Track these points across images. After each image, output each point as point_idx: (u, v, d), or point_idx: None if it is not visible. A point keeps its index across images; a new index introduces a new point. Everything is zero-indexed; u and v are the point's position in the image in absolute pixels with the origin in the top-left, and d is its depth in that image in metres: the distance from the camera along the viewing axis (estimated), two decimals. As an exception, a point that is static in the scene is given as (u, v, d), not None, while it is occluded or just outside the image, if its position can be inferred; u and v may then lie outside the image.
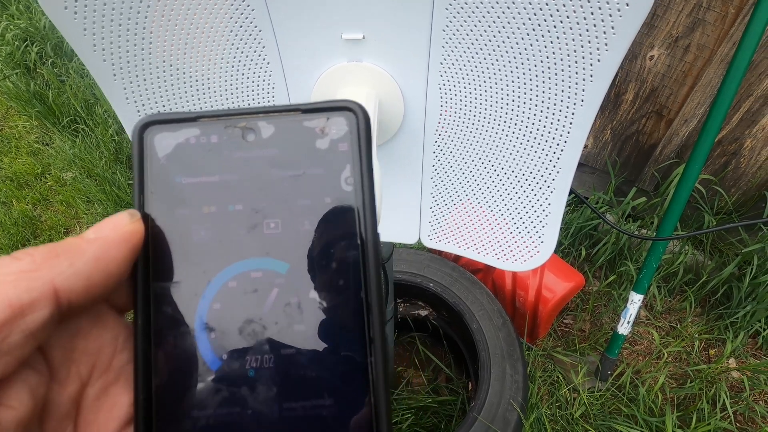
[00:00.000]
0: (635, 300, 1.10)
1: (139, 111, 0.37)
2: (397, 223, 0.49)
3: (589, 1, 0.29)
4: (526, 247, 0.44)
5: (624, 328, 1.13)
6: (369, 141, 0.18)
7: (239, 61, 0.37)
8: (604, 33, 0.30)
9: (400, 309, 1.24)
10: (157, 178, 0.18)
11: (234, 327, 0.18)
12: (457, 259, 1.27)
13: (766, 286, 1.24)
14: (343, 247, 0.18)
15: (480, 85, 0.36)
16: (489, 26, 0.33)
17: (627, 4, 0.28)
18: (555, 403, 1.20)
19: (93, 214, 1.73)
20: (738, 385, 1.24)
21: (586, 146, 1.45)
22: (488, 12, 0.32)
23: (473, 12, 0.32)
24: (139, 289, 0.18)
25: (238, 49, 0.37)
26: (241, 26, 0.35)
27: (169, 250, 0.18)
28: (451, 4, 0.33)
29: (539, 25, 0.31)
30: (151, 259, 0.18)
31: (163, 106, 0.38)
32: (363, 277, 0.18)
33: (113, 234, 0.17)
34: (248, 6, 0.34)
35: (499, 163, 0.40)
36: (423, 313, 1.24)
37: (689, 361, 1.29)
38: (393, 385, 1.21)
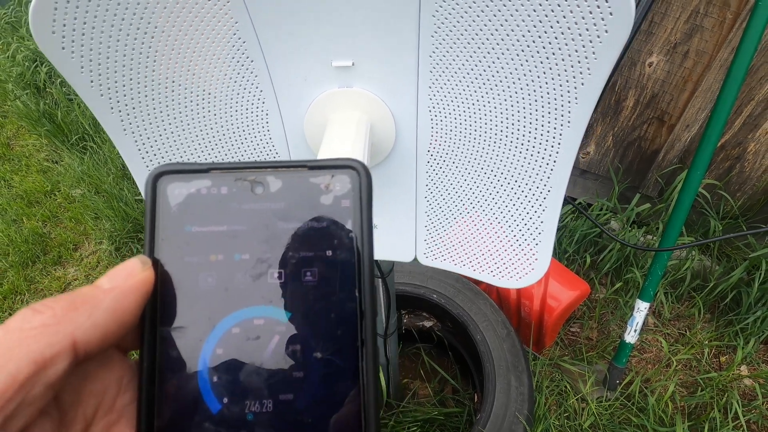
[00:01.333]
0: (641, 308, 1.09)
1: (136, 141, 0.38)
2: (394, 242, 0.49)
3: (569, 29, 0.29)
4: (521, 264, 0.44)
5: (631, 337, 1.12)
6: (370, 198, 0.19)
7: (232, 90, 0.38)
8: (586, 58, 0.30)
9: (404, 320, 1.24)
10: (168, 226, 0.19)
11: (235, 371, 0.18)
12: (460, 269, 1.26)
13: (776, 291, 1.22)
14: (343, 299, 0.19)
15: (468, 108, 0.37)
16: (474, 52, 0.33)
17: (606, 32, 0.28)
18: (563, 414, 1.19)
19: (101, 230, 1.76)
20: (750, 393, 1.21)
21: (588, 153, 1.44)
22: (473, 39, 0.32)
23: (458, 39, 0.33)
24: (146, 332, 0.18)
25: (231, 78, 0.38)
26: (233, 58, 0.36)
27: (177, 296, 0.19)
28: (436, 32, 0.33)
29: (522, 51, 0.31)
30: (159, 304, 0.18)
31: (159, 135, 0.39)
32: (360, 325, 0.18)
33: (127, 283, 0.17)
34: (240, 39, 0.35)
35: (491, 183, 0.41)
36: (427, 324, 1.23)
37: (699, 369, 1.27)
38: (399, 397, 1.20)
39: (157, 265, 0.19)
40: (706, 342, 1.31)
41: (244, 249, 0.19)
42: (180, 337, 0.18)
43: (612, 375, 1.19)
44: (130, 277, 0.17)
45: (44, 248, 1.78)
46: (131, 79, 0.35)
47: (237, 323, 0.18)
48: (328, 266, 0.19)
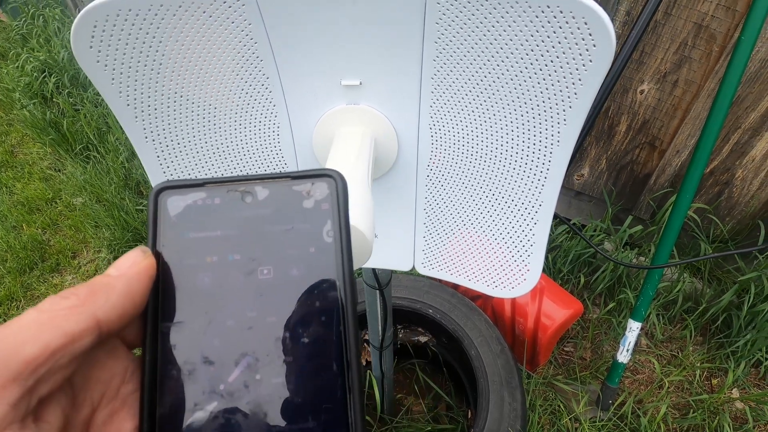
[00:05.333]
0: (634, 328, 1.10)
1: (156, 149, 0.41)
2: (393, 251, 0.52)
3: (558, 57, 0.32)
4: (514, 274, 0.46)
5: (624, 357, 1.13)
6: (346, 201, 0.22)
7: (248, 104, 0.41)
8: (573, 84, 0.33)
9: (400, 335, 1.25)
10: (168, 234, 0.21)
11: (231, 360, 0.20)
12: (456, 285, 1.29)
13: (765, 314, 1.25)
14: (325, 288, 0.21)
15: (465, 127, 0.40)
16: (471, 76, 0.36)
17: (591, 61, 0.31)
18: (556, 433, 1.19)
19: (100, 239, 1.77)
20: (742, 416, 1.22)
21: (582, 175, 1.48)
22: (469, 65, 0.36)
23: (457, 64, 0.36)
24: (149, 327, 0.20)
25: (247, 93, 0.41)
26: (250, 74, 0.39)
27: (177, 295, 0.21)
28: (437, 57, 0.37)
29: (514, 77, 0.35)
30: (161, 302, 0.21)
31: (178, 144, 0.42)
32: (342, 312, 0.21)
33: (133, 270, 0.20)
34: (257, 57, 0.38)
35: (486, 197, 0.43)
36: (423, 339, 1.24)
37: (691, 391, 1.28)
38: (393, 413, 1.20)
39: (158, 267, 0.21)
40: (698, 364, 1.32)
41: (236, 250, 0.21)
42: (180, 332, 0.20)
43: (605, 395, 1.19)
44: (134, 265, 0.20)
45: (42, 255, 1.79)
46: (155, 91, 0.38)
47: (231, 316, 0.21)
48: (312, 260, 0.21)
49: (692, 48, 1.12)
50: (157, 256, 0.21)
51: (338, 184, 0.22)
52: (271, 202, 0.22)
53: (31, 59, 2.45)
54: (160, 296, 0.20)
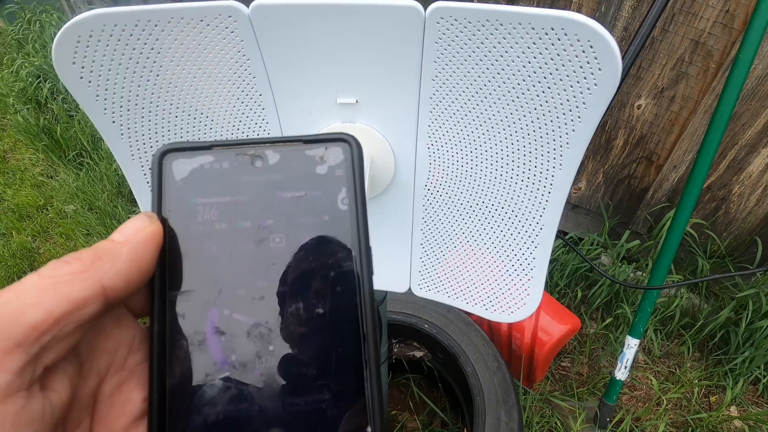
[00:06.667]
0: (632, 345, 1.09)
1: (143, 167, 0.39)
2: (389, 272, 0.50)
3: (561, 80, 0.31)
4: (513, 299, 0.45)
5: (621, 374, 1.12)
6: (362, 167, 0.21)
7: (240, 122, 0.40)
8: (577, 107, 0.32)
9: (395, 350, 1.23)
10: (174, 199, 0.20)
11: (242, 330, 0.19)
12: (452, 299, 1.26)
13: (763, 331, 1.24)
14: (340, 258, 0.20)
15: (464, 148, 0.38)
16: (471, 97, 0.35)
17: (595, 84, 0.30)
18: (553, 452, 1.17)
19: (91, 247, 1.74)
20: (741, 435, 1.20)
21: (579, 188, 1.48)
22: (470, 85, 0.34)
23: (457, 84, 0.35)
24: (156, 296, 0.19)
25: (239, 110, 0.39)
26: (243, 91, 0.38)
27: (184, 263, 0.20)
28: (437, 77, 0.35)
29: (516, 99, 0.33)
30: (168, 270, 0.19)
31: (166, 161, 0.40)
32: (357, 282, 0.20)
33: (140, 236, 0.18)
34: (250, 74, 0.37)
35: (485, 219, 0.42)
36: (418, 354, 1.22)
37: (690, 409, 1.26)
38: (387, 429, 1.18)
39: (165, 234, 0.19)
40: (696, 381, 1.30)
41: (246, 217, 0.20)
42: (188, 301, 0.19)
43: (602, 412, 1.17)
44: (140, 230, 0.19)
45: (32, 264, 1.76)
46: (143, 108, 0.36)
47: (242, 285, 0.20)
48: (326, 229, 0.20)
49: (689, 64, 1.12)
50: (163, 222, 0.20)
51: (353, 149, 0.21)
52: (283, 167, 0.20)
53: (26, 64, 2.44)
54: (167, 264, 0.19)
